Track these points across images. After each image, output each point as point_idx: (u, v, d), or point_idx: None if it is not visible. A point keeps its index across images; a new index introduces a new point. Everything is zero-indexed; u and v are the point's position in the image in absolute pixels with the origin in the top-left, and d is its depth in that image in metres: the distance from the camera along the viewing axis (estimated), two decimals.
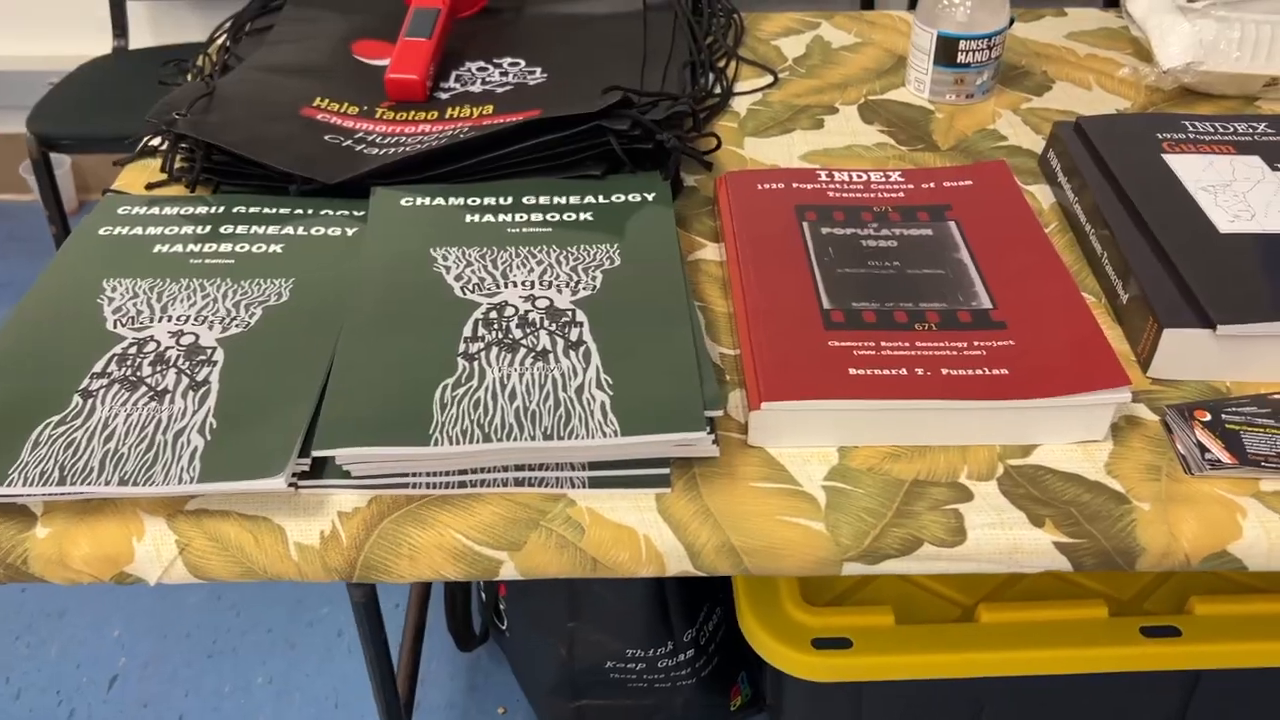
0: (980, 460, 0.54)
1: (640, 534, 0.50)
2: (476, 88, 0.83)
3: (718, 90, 0.87)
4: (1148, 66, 0.89)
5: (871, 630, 0.80)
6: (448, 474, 0.52)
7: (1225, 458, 0.53)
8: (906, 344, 0.56)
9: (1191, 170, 0.68)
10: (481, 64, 0.87)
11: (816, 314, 0.58)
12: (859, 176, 0.70)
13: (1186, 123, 0.73)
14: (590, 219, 0.64)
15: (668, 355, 0.54)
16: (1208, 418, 0.55)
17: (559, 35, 0.90)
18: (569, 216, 0.65)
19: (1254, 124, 0.73)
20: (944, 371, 0.54)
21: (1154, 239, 0.62)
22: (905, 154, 0.79)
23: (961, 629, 0.81)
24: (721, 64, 0.91)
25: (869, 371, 0.54)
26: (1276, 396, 0.56)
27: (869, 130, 0.82)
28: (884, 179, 0.70)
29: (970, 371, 0.54)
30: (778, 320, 0.58)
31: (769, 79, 0.89)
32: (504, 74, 0.85)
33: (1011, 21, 0.84)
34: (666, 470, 0.52)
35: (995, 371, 0.54)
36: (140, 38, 1.96)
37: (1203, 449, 0.53)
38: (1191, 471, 0.53)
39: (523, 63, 0.87)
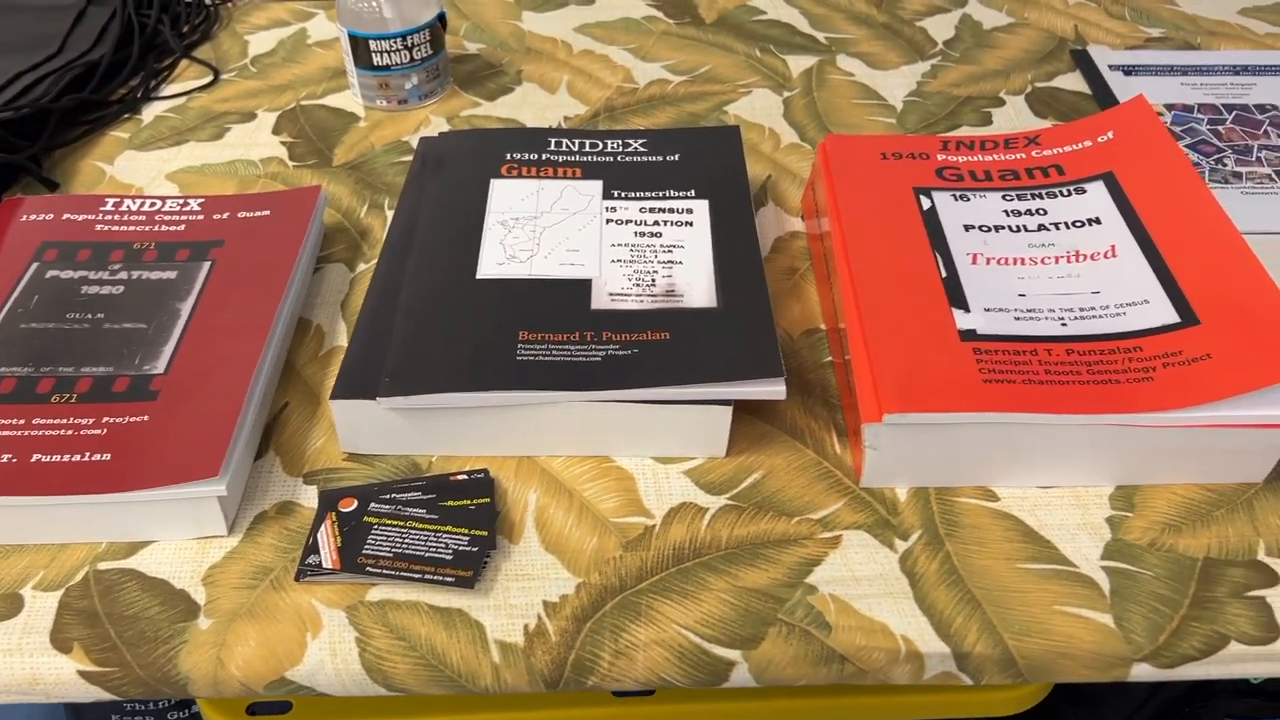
0: (68, 564, 0.46)
1: None
2: None
3: (140, 93, 0.77)
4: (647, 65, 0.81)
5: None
6: None
7: (329, 562, 0.45)
8: (23, 421, 0.48)
9: (508, 199, 0.60)
10: None
11: None
12: (152, 205, 0.61)
13: (553, 140, 0.65)
14: None
15: None
16: (352, 506, 0.47)
17: None
18: None
19: (630, 140, 0.65)
20: (34, 458, 0.46)
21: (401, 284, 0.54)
22: (289, 172, 0.70)
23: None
24: (166, 63, 0.81)
25: None
26: (461, 477, 0.49)
27: (271, 141, 0.73)
28: (179, 208, 0.61)
29: (66, 458, 0.46)
30: None
31: (208, 79, 0.80)
32: None
33: (442, 18, 0.75)
34: None
35: (96, 458, 0.46)
36: None
37: (313, 549, 0.45)
38: (297, 577, 0.45)
39: None
